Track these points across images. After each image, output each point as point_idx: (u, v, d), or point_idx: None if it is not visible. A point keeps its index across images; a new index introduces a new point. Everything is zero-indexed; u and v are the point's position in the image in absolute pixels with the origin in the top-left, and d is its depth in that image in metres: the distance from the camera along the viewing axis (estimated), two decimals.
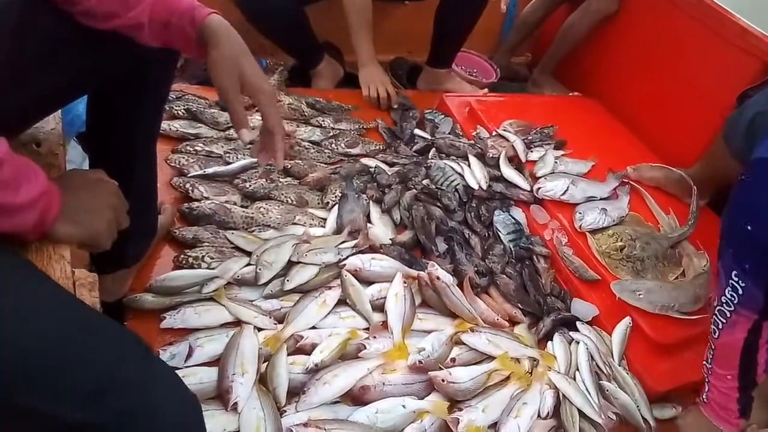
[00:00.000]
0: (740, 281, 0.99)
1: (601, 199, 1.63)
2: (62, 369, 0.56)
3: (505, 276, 1.40)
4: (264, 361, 1.08)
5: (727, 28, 1.77)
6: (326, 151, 1.66)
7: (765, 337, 1.04)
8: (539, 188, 1.60)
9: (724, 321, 1.05)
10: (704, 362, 1.15)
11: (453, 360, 1.18)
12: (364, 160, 1.66)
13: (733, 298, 1.01)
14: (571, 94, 2.31)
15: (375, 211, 1.49)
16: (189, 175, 1.40)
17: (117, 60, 0.85)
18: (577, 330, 1.34)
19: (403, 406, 1.07)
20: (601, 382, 1.24)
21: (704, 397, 1.17)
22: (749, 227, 0.96)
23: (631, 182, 1.73)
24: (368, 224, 1.43)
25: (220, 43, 0.79)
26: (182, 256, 1.22)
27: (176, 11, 0.79)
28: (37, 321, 0.57)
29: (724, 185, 1.64)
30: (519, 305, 1.36)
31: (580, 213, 1.54)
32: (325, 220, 1.43)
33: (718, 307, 1.06)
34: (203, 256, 1.22)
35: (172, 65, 0.99)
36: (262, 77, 0.84)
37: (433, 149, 1.76)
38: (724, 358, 1.09)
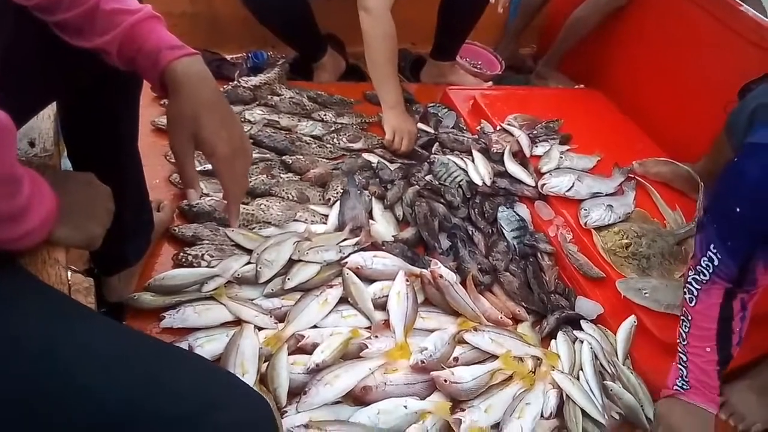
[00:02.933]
0: (718, 254, 1.04)
1: (606, 195, 1.61)
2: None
3: (508, 273, 1.39)
4: (264, 361, 1.07)
5: (739, 21, 1.73)
6: (328, 146, 1.64)
7: (737, 306, 1.07)
8: (544, 184, 1.58)
9: (699, 288, 1.09)
10: (679, 342, 1.15)
11: (456, 359, 1.16)
12: (366, 155, 1.64)
13: (708, 268, 1.06)
14: (576, 86, 2.27)
15: (377, 208, 1.47)
16: None
17: (86, 65, 0.79)
18: (581, 328, 1.32)
19: (405, 407, 1.06)
20: (605, 381, 1.22)
21: (682, 383, 1.14)
22: (738, 209, 1.01)
23: (636, 177, 1.71)
24: (370, 221, 1.42)
25: (180, 95, 0.71)
26: (182, 254, 1.21)
27: (143, 50, 0.71)
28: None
29: None
30: (522, 303, 1.34)
31: (585, 210, 1.52)
32: (326, 216, 1.41)
33: (693, 276, 1.10)
34: (203, 254, 1.20)
35: None
36: (217, 138, 0.74)
37: (437, 144, 1.74)
38: (702, 329, 1.10)
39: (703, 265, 1.07)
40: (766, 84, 1.40)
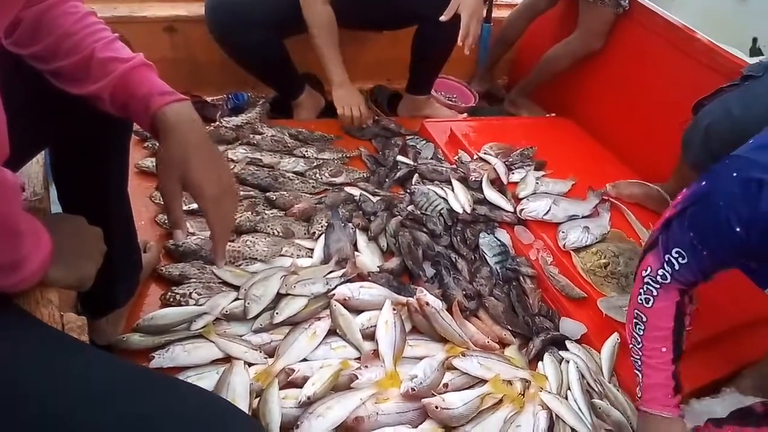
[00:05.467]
0: (681, 259, 0.98)
1: (582, 217, 1.66)
2: None
3: (493, 298, 1.42)
4: (256, 397, 1.07)
5: (695, 48, 1.85)
6: (311, 181, 1.68)
7: (687, 300, 1.04)
8: (522, 209, 1.63)
9: (658, 287, 1.03)
10: (632, 346, 1.08)
11: (446, 385, 1.17)
12: (349, 189, 1.68)
13: (668, 270, 1.01)
14: (547, 115, 2.36)
15: (362, 239, 1.50)
16: None
17: (77, 114, 0.81)
18: (566, 349, 1.35)
19: None
20: (593, 400, 1.24)
21: (638, 390, 1.08)
22: (738, 229, 0.87)
23: (610, 199, 1.77)
24: (355, 252, 1.44)
25: (170, 139, 0.74)
26: (169, 293, 1.21)
27: (135, 96, 0.74)
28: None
29: None
30: (508, 327, 1.37)
31: (563, 232, 1.57)
32: (312, 250, 1.43)
33: (650, 276, 1.03)
34: (191, 293, 1.21)
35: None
36: (206, 179, 0.76)
37: (416, 175, 1.78)
38: (657, 328, 1.05)
39: (665, 268, 1.01)
40: (715, 101, 1.46)
